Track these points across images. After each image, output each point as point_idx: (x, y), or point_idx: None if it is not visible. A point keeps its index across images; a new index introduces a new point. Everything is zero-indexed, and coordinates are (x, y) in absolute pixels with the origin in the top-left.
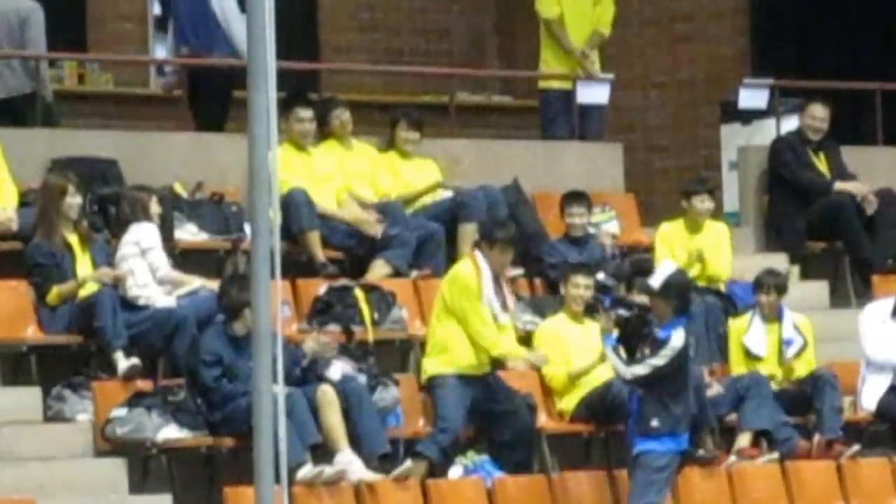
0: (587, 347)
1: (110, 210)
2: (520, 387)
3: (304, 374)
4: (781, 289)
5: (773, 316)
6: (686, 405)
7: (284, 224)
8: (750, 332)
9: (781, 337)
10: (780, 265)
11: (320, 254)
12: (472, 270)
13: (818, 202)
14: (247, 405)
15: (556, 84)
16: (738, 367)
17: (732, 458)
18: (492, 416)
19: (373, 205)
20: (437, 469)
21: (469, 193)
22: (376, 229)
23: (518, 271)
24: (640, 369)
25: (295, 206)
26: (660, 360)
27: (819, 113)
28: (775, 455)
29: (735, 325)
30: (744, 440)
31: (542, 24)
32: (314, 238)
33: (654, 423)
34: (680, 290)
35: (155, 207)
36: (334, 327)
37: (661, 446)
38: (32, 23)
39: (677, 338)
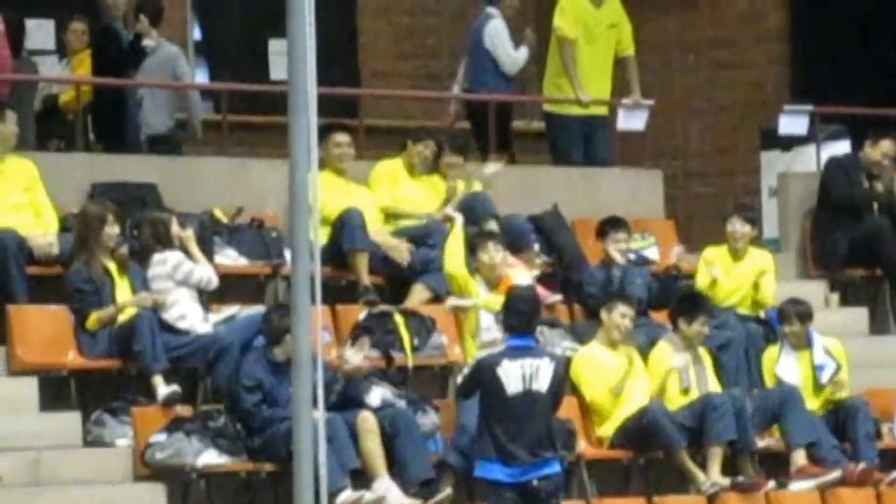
0: (622, 373)
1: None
2: (559, 413)
3: (344, 400)
4: (805, 317)
5: (803, 344)
6: (511, 435)
7: (335, 242)
8: (780, 362)
9: (813, 363)
10: (819, 292)
11: (366, 277)
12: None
13: (859, 226)
14: (286, 430)
15: (570, 109)
16: None
17: (795, 482)
18: None
19: (415, 227)
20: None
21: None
22: (404, 257)
23: (557, 297)
24: (458, 379)
25: (350, 226)
26: (465, 370)
27: (888, 149)
28: (837, 473)
29: (767, 354)
30: (800, 458)
31: (556, 42)
32: (363, 260)
33: (476, 445)
34: (508, 308)
35: (176, 229)
36: (374, 353)
37: (476, 470)
38: (180, 61)
39: (480, 353)
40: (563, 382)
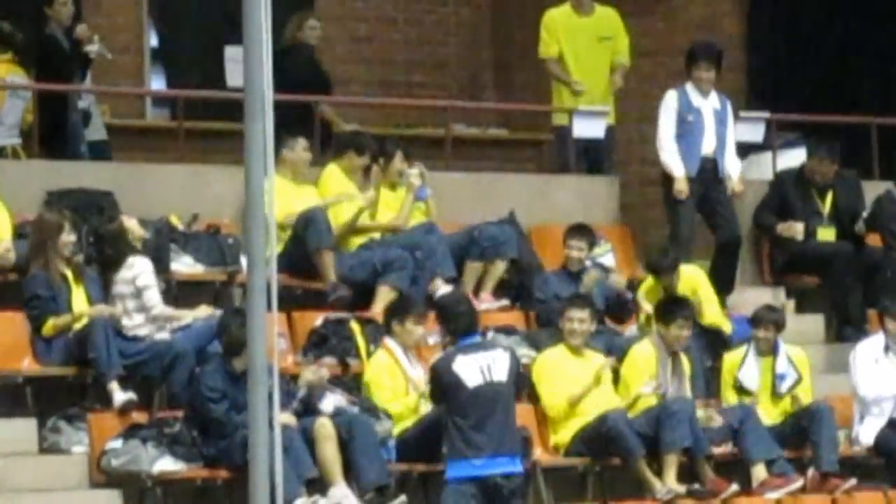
0: (585, 379)
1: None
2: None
3: (301, 407)
4: (780, 325)
5: (769, 350)
6: (476, 427)
7: (301, 241)
8: (744, 367)
9: (775, 371)
10: (775, 299)
11: (332, 275)
12: (386, 360)
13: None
14: (242, 438)
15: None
16: (729, 401)
17: (773, 493)
18: None
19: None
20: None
21: (484, 233)
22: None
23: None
24: None
25: (315, 224)
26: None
27: (824, 167)
28: (799, 484)
29: (729, 358)
30: (761, 472)
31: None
32: (329, 258)
33: (444, 447)
34: (447, 315)
35: (139, 231)
36: (330, 360)
37: (447, 471)
38: None
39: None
40: (521, 375)
